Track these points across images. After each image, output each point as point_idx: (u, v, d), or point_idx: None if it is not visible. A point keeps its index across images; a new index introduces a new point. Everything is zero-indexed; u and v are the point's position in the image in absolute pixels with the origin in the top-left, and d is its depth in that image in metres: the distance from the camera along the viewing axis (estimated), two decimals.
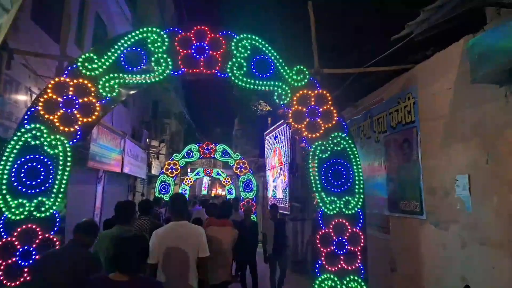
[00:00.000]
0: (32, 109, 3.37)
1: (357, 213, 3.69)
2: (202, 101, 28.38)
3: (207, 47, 3.84)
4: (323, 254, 3.54)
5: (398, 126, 4.47)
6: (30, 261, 3.02)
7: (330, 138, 3.79)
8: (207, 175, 18.16)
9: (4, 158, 3.16)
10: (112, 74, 3.62)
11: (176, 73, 3.82)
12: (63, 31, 4.28)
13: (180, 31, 3.86)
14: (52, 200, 3.21)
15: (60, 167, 3.29)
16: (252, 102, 13.07)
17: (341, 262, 3.54)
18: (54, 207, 3.22)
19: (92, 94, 3.52)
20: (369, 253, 3.68)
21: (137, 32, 3.77)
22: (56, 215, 3.23)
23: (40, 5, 5.39)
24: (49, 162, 3.27)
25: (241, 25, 4.01)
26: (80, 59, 3.58)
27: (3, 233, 3.05)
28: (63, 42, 4.21)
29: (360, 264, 3.58)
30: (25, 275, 2.99)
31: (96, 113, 3.52)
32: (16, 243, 3.05)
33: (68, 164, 3.34)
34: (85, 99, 3.49)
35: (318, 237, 3.58)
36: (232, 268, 4.42)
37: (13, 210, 3.09)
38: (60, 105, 3.42)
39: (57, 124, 3.37)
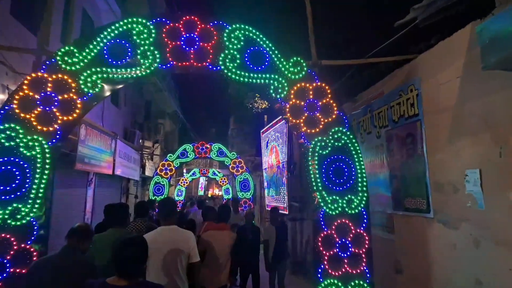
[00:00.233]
0: (6, 108, 3.11)
1: (361, 213, 3.48)
2: (196, 100, 28.04)
3: (197, 39, 3.61)
4: (326, 257, 3.33)
5: (400, 120, 4.27)
6: (4, 275, 2.75)
7: (330, 133, 3.59)
8: (203, 176, 17.92)
9: None
10: (95, 69, 3.38)
11: (164, 67, 3.58)
12: (43, 23, 3.99)
13: (168, 22, 3.62)
14: (28, 206, 2.94)
15: (38, 170, 3.03)
16: (247, 100, 12.83)
17: (345, 266, 3.34)
18: (32, 214, 2.95)
19: (73, 90, 3.28)
20: (373, 254, 3.49)
21: (121, 23, 3.52)
22: (34, 222, 2.96)
23: None
24: (25, 165, 3.01)
25: (236, 20, 3.76)
26: (59, 53, 3.33)
27: None
28: (43, 35, 3.92)
29: (365, 267, 3.37)
30: None
31: (77, 111, 3.28)
32: None
33: (47, 166, 3.08)
34: (65, 96, 3.25)
35: (320, 239, 3.37)
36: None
37: None
38: (38, 102, 3.17)
39: (34, 123, 3.12)
